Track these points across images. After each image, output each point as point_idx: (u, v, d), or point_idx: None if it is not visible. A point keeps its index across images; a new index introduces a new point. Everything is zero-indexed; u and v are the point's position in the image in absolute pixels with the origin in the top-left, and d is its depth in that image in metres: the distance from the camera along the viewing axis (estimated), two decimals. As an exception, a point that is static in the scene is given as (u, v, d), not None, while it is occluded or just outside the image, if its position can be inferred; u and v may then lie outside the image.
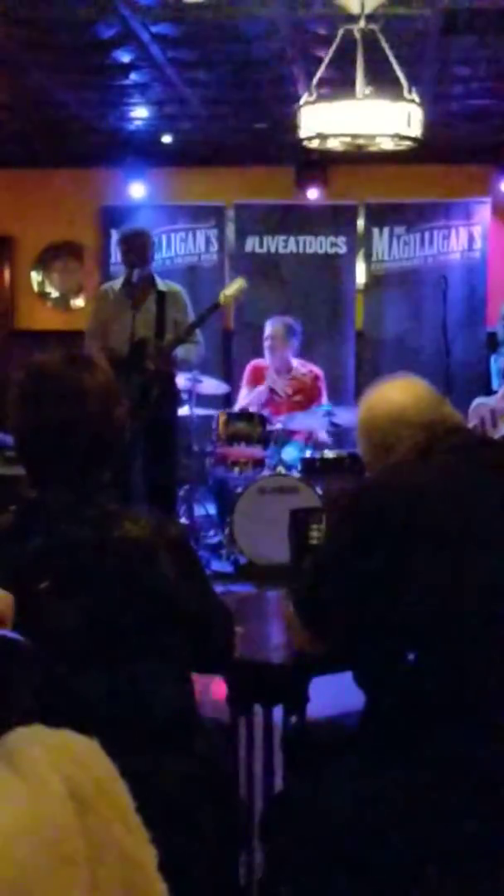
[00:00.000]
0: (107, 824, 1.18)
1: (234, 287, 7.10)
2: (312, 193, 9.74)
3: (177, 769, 2.37)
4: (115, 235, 9.14)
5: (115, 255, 9.42)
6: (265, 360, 7.98)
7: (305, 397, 7.84)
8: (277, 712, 2.98)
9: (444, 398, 2.72)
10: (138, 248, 7.02)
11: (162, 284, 7.07)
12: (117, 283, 7.19)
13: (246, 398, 7.94)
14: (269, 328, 7.90)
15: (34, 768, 1.15)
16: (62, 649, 2.26)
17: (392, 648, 2.40)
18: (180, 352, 6.87)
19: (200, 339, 7.09)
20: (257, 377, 7.97)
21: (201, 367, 7.46)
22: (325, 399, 7.84)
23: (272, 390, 7.88)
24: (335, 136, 5.23)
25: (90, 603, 2.28)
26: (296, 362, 7.96)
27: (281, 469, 7.17)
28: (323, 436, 7.81)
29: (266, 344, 7.90)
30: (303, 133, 5.23)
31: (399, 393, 2.67)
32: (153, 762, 2.30)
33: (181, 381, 7.31)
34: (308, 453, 7.41)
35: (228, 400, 8.57)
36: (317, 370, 8.01)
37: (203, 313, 6.98)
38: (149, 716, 2.34)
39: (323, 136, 5.23)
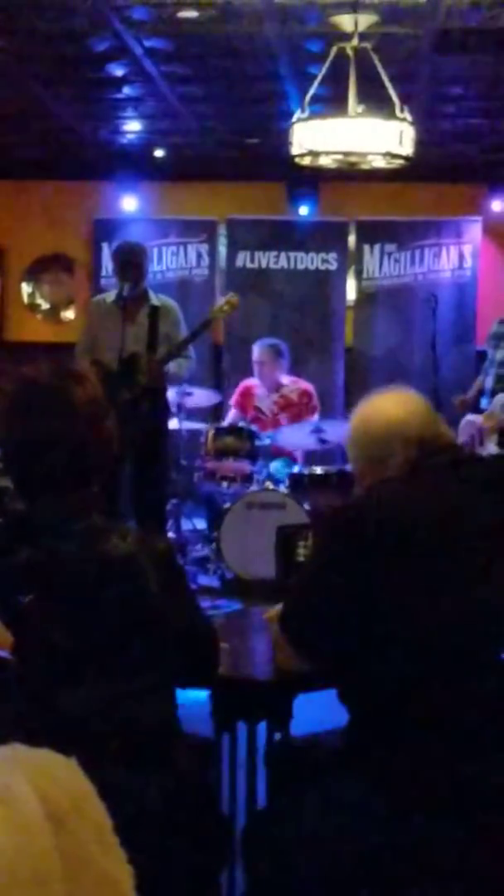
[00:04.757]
0: (84, 844, 1.17)
1: (225, 303, 7.10)
2: (304, 210, 9.76)
3: (159, 785, 2.36)
4: (106, 248, 9.16)
5: (106, 267, 9.43)
6: (255, 380, 7.97)
7: (291, 414, 7.80)
8: (261, 729, 2.97)
9: (438, 414, 2.70)
10: (133, 262, 7.00)
11: (155, 299, 7.05)
12: (110, 296, 7.18)
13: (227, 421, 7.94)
14: (255, 352, 7.88)
15: (10, 788, 1.14)
16: (46, 663, 2.26)
17: (377, 666, 2.40)
18: (171, 366, 6.86)
19: (192, 355, 7.08)
20: (247, 398, 7.96)
21: (190, 382, 7.45)
22: (317, 415, 7.81)
23: (258, 409, 7.87)
24: (327, 153, 5.24)
25: (75, 617, 2.28)
26: (286, 379, 7.95)
27: (269, 484, 7.16)
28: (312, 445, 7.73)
29: (255, 368, 7.91)
30: (295, 150, 5.25)
31: (396, 406, 2.64)
32: (136, 777, 2.29)
33: (171, 394, 7.31)
34: (296, 469, 7.40)
35: (218, 412, 8.58)
36: (305, 386, 7.98)
37: (195, 329, 6.97)
38: (132, 731, 2.33)
39: (315, 153, 5.24)
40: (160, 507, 7.20)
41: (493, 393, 7.34)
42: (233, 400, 8.09)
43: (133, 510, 6.87)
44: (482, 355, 8.29)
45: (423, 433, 2.58)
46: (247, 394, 7.98)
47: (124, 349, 6.71)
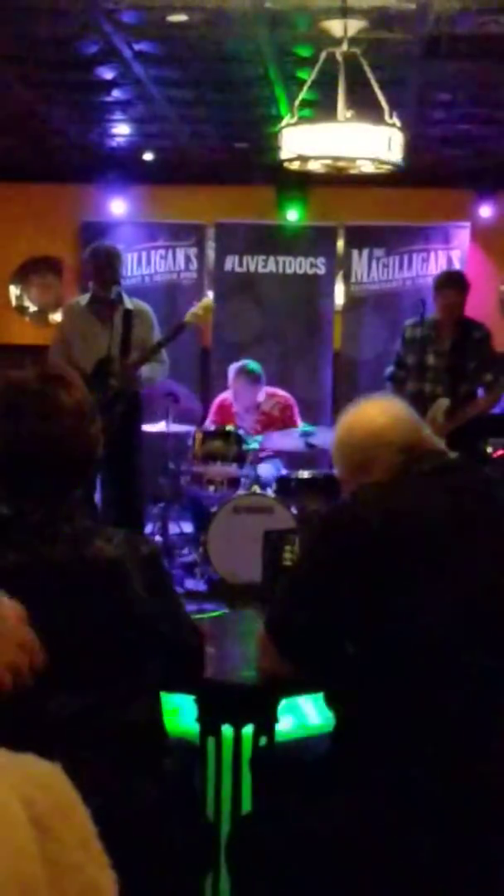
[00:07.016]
0: (67, 850, 1.16)
1: (200, 307, 7.09)
2: (293, 214, 9.77)
3: (144, 789, 2.36)
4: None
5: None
6: (231, 396, 7.92)
7: (275, 430, 7.76)
8: (246, 733, 2.97)
9: (422, 420, 2.72)
10: (106, 266, 7.00)
11: (129, 302, 7.05)
12: (84, 299, 7.18)
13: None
14: (231, 375, 7.83)
15: (-7, 793, 1.14)
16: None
17: (363, 670, 2.40)
18: (145, 370, 6.87)
19: (165, 359, 7.08)
20: (224, 414, 7.91)
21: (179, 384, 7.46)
22: (299, 424, 7.77)
23: (241, 428, 7.84)
24: (316, 158, 5.24)
25: (61, 621, 2.27)
26: (263, 395, 7.88)
27: (256, 488, 7.16)
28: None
29: (231, 388, 7.87)
30: (284, 154, 5.24)
31: (379, 413, 2.66)
32: (121, 782, 2.29)
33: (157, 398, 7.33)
34: (284, 473, 7.40)
35: (205, 417, 8.58)
36: (285, 398, 7.93)
37: (168, 333, 6.98)
38: (118, 735, 2.32)
39: (304, 158, 5.24)
40: (136, 510, 7.20)
41: (434, 397, 7.29)
42: (209, 419, 8.02)
43: (107, 513, 6.86)
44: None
45: (406, 440, 2.60)
46: (224, 411, 7.92)
47: (98, 353, 6.72)
